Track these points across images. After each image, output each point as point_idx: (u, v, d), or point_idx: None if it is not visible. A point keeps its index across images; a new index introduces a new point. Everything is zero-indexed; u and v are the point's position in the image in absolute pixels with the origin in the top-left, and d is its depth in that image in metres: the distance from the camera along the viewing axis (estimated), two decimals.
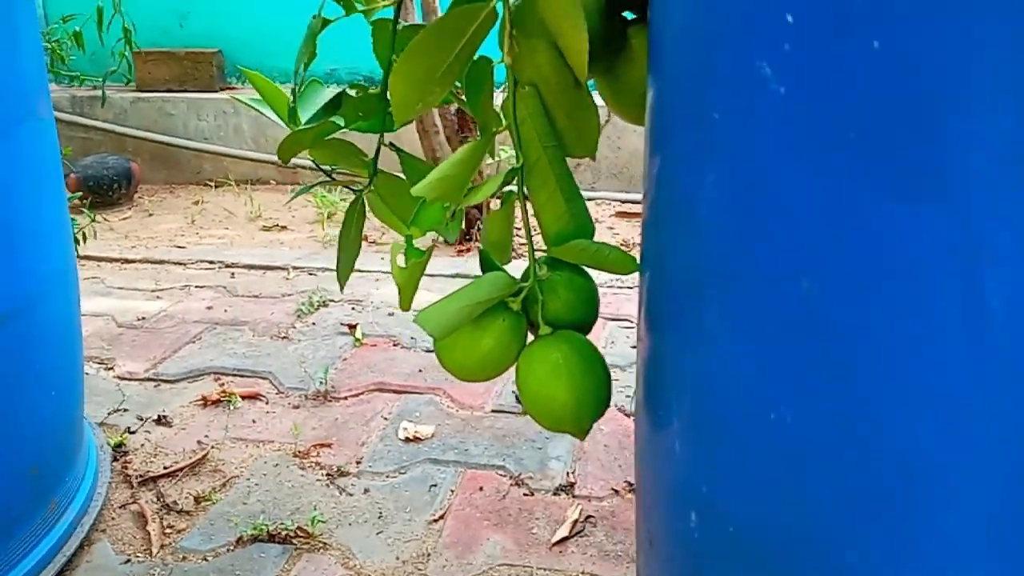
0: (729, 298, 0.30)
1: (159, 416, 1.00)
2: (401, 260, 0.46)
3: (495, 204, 0.50)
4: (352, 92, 0.50)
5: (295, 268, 1.53)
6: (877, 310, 0.24)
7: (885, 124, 0.23)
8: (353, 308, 1.33)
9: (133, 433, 0.97)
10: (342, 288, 0.57)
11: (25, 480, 0.70)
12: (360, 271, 1.44)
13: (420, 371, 1.11)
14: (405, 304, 0.47)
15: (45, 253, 0.71)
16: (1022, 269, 0.22)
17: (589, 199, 1.27)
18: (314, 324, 1.27)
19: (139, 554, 0.77)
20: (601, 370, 0.45)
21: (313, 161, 0.54)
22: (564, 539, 0.78)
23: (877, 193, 0.23)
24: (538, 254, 0.45)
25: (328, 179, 0.58)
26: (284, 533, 0.78)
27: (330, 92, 0.52)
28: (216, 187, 2.14)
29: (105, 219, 1.86)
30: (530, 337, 0.46)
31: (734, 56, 0.28)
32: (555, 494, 0.85)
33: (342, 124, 0.51)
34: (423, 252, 0.47)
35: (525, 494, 0.85)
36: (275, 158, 2.11)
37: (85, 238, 1.46)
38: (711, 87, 0.30)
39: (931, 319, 0.23)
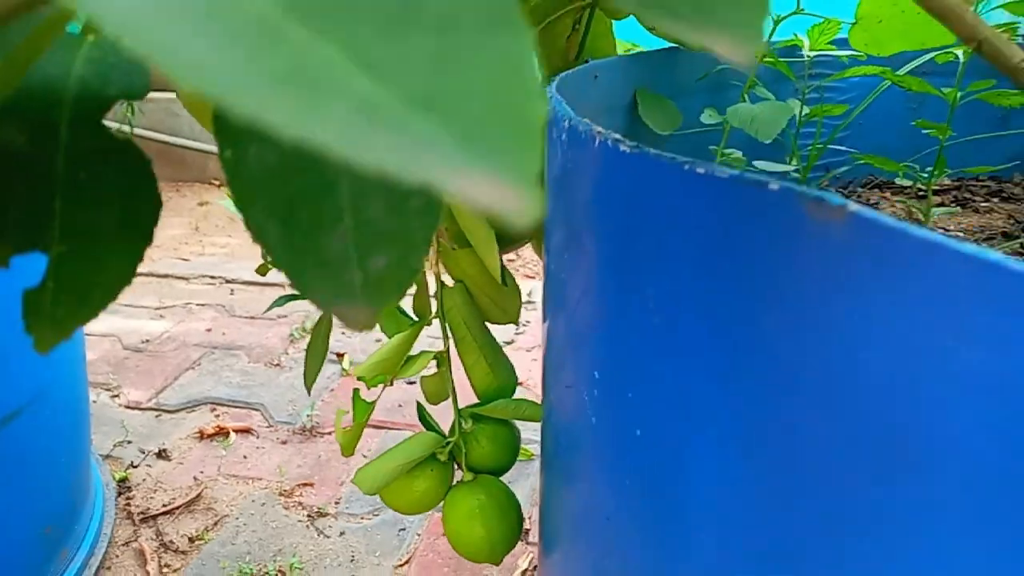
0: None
1: (160, 450, 1.10)
2: (346, 420, 0.56)
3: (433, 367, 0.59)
4: None
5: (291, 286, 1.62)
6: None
7: None
8: (343, 333, 1.43)
9: (136, 467, 1.07)
10: (308, 391, 0.66)
11: (38, 540, 0.80)
12: None
13: (400, 406, 1.21)
14: (347, 452, 0.57)
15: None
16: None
17: None
18: (304, 351, 1.37)
19: None
20: (514, 512, 0.54)
21: None
22: None
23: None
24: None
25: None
26: (266, 575, 0.89)
27: None
28: (220, 186, 2.23)
29: None
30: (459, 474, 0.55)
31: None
32: None
33: None
34: (369, 404, 0.56)
35: None
36: None
37: None
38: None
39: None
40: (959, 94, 0.57)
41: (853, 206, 0.22)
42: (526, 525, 0.98)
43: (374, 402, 0.56)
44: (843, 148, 0.68)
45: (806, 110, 0.65)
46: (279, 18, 0.10)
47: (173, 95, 2.47)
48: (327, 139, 0.09)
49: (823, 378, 0.23)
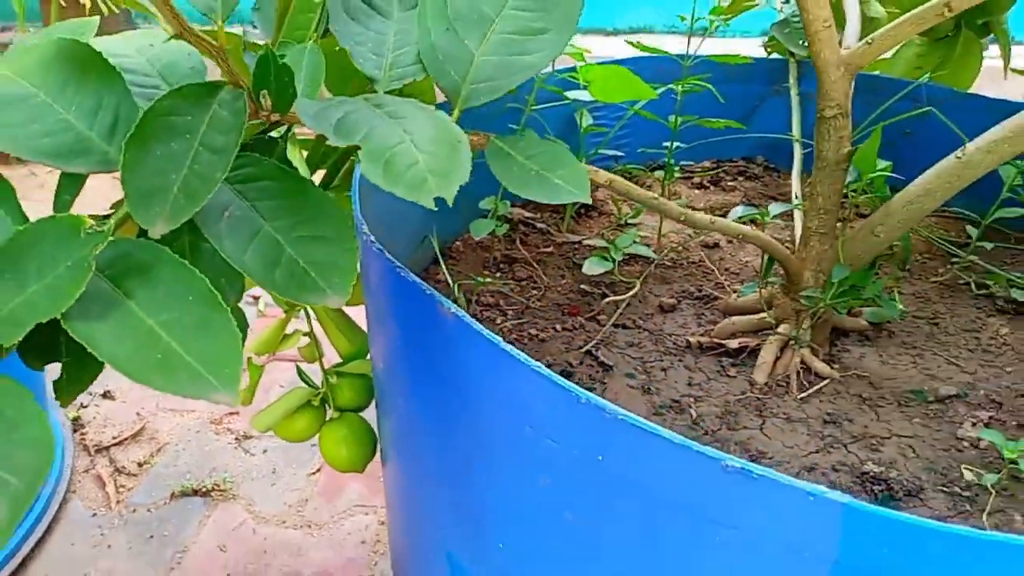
0: None
1: (104, 391, 1.29)
2: (244, 380, 0.76)
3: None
4: None
5: None
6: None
7: None
8: None
9: (85, 407, 1.27)
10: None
11: None
12: None
13: None
14: (245, 403, 0.77)
15: None
16: None
17: None
18: None
19: (101, 508, 1.09)
20: (369, 437, 0.76)
21: None
22: None
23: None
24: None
25: None
26: (204, 489, 1.11)
27: None
28: None
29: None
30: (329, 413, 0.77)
31: None
32: None
33: None
34: (260, 367, 0.77)
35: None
36: None
37: None
38: None
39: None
40: (679, 119, 0.78)
41: (455, 310, 0.43)
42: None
43: (263, 366, 0.77)
44: (619, 149, 0.89)
45: (589, 119, 0.86)
46: None
47: None
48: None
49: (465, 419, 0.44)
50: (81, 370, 0.38)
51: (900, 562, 0.31)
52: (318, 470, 1.15)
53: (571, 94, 0.75)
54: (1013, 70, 0.86)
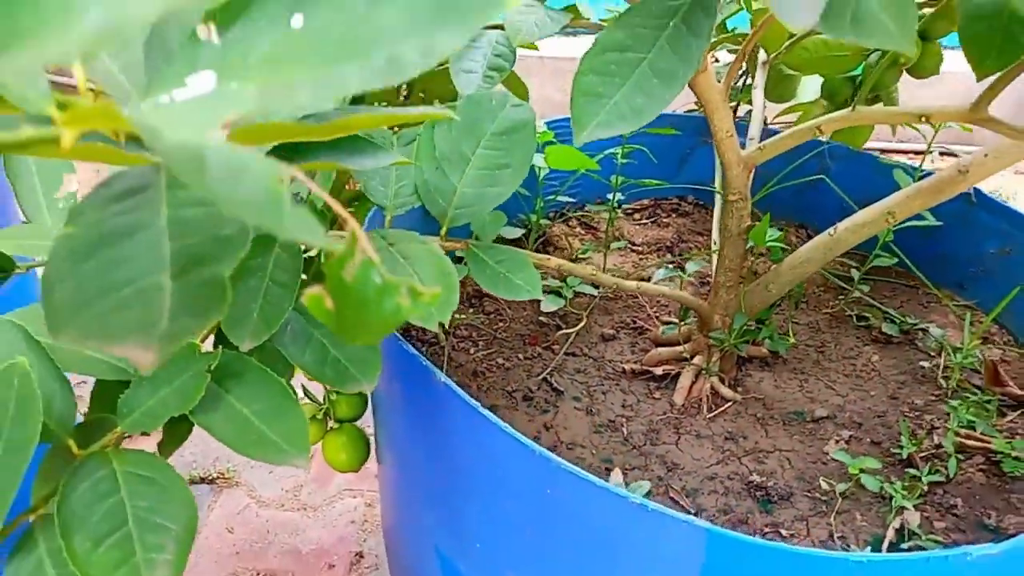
0: None
1: None
2: None
3: None
4: None
5: None
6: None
7: None
8: None
9: None
10: None
11: None
12: None
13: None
14: None
15: None
16: None
17: None
18: None
19: None
20: (363, 443, 0.91)
21: None
22: None
23: None
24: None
25: None
26: (210, 477, 1.26)
27: None
28: None
29: None
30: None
31: None
32: None
33: None
34: None
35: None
36: None
37: None
38: None
39: None
40: (619, 179, 0.93)
41: (444, 379, 0.58)
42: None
43: None
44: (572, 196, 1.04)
45: (547, 171, 1.01)
46: None
47: None
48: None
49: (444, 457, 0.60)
50: (176, 436, 0.53)
51: (745, 569, 0.48)
52: (311, 457, 1.30)
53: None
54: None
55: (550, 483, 0.51)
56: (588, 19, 0.72)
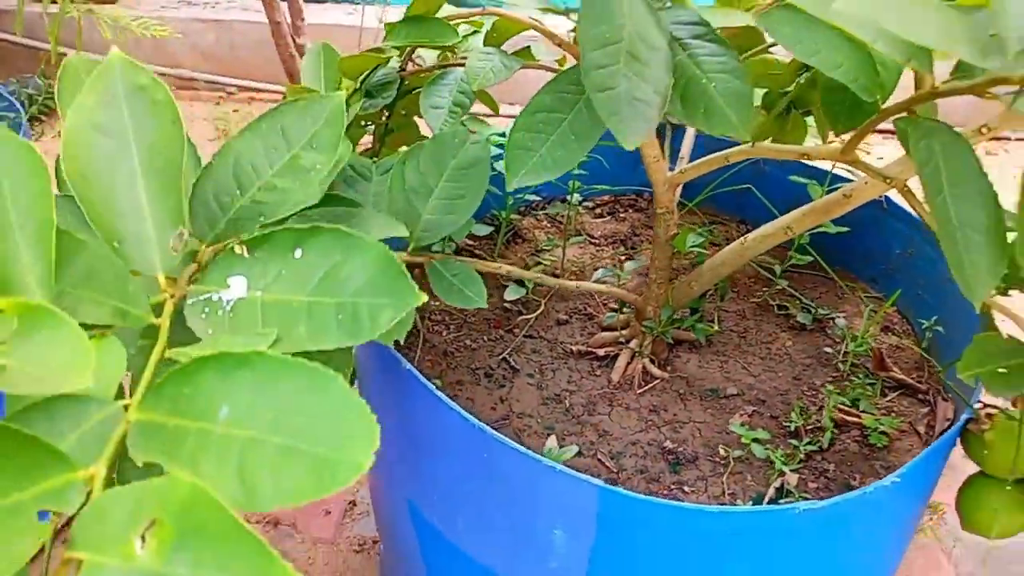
0: None
1: None
2: None
3: None
4: None
5: None
6: None
7: None
8: None
9: None
10: None
11: None
12: None
13: None
14: None
15: None
16: None
17: None
18: None
19: None
20: None
21: None
22: None
23: None
24: None
25: None
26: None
27: None
28: None
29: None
30: None
31: None
32: None
33: None
34: None
35: None
36: (174, 71, 2.51)
37: None
38: None
39: None
40: (575, 183, 1.06)
41: (407, 365, 0.73)
42: None
43: None
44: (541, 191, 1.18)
45: None
46: None
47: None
48: None
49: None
50: None
51: (626, 518, 0.63)
52: None
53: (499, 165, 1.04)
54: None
55: (486, 449, 0.66)
56: (539, 60, 0.85)
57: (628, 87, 0.47)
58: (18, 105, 1.13)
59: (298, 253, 0.46)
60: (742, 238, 0.87)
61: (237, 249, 0.47)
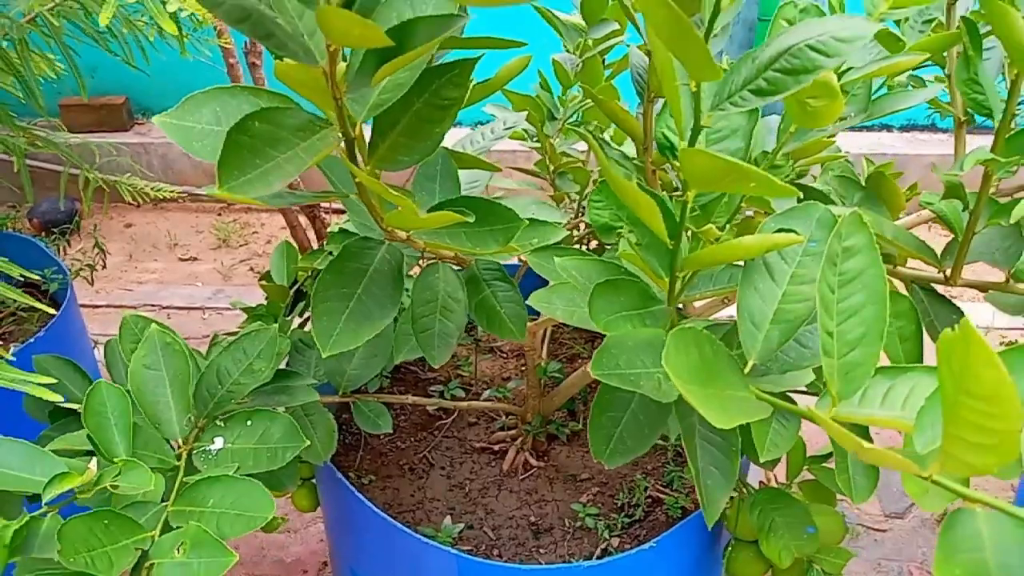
0: None
1: None
2: None
3: None
4: None
5: (207, 308, 2.42)
6: None
7: None
8: None
9: None
10: None
11: None
12: None
13: None
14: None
15: None
16: None
17: None
18: None
19: None
20: (316, 496, 1.41)
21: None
22: None
23: None
24: None
25: None
26: None
27: None
28: (138, 207, 2.94)
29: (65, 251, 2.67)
30: None
31: None
32: None
33: None
34: None
35: None
36: (181, 187, 2.90)
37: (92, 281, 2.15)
38: None
39: None
40: None
41: (338, 475, 1.08)
42: None
43: None
44: None
45: None
46: None
47: (90, 135, 3.08)
48: None
49: None
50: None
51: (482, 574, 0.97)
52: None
53: None
54: None
55: (391, 531, 1.00)
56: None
57: (440, 327, 0.83)
58: (65, 268, 1.48)
59: (249, 423, 0.83)
60: (587, 365, 1.23)
61: (218, 422, 0.84)
